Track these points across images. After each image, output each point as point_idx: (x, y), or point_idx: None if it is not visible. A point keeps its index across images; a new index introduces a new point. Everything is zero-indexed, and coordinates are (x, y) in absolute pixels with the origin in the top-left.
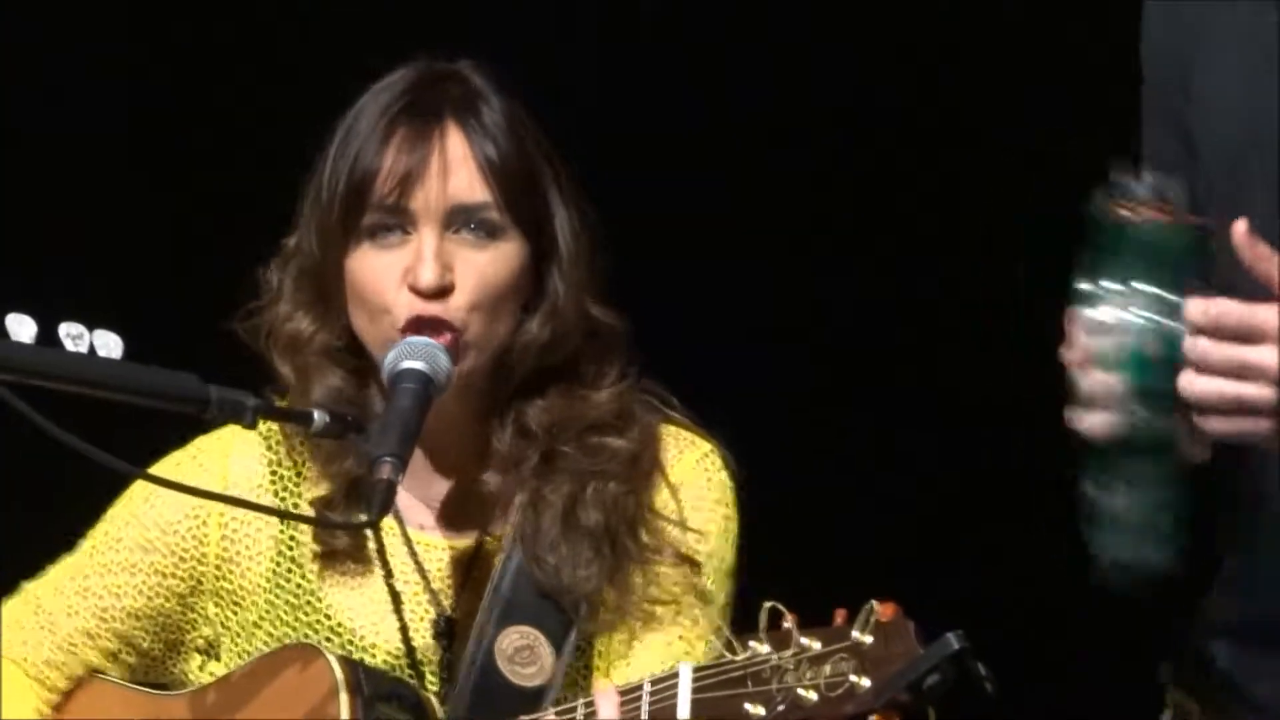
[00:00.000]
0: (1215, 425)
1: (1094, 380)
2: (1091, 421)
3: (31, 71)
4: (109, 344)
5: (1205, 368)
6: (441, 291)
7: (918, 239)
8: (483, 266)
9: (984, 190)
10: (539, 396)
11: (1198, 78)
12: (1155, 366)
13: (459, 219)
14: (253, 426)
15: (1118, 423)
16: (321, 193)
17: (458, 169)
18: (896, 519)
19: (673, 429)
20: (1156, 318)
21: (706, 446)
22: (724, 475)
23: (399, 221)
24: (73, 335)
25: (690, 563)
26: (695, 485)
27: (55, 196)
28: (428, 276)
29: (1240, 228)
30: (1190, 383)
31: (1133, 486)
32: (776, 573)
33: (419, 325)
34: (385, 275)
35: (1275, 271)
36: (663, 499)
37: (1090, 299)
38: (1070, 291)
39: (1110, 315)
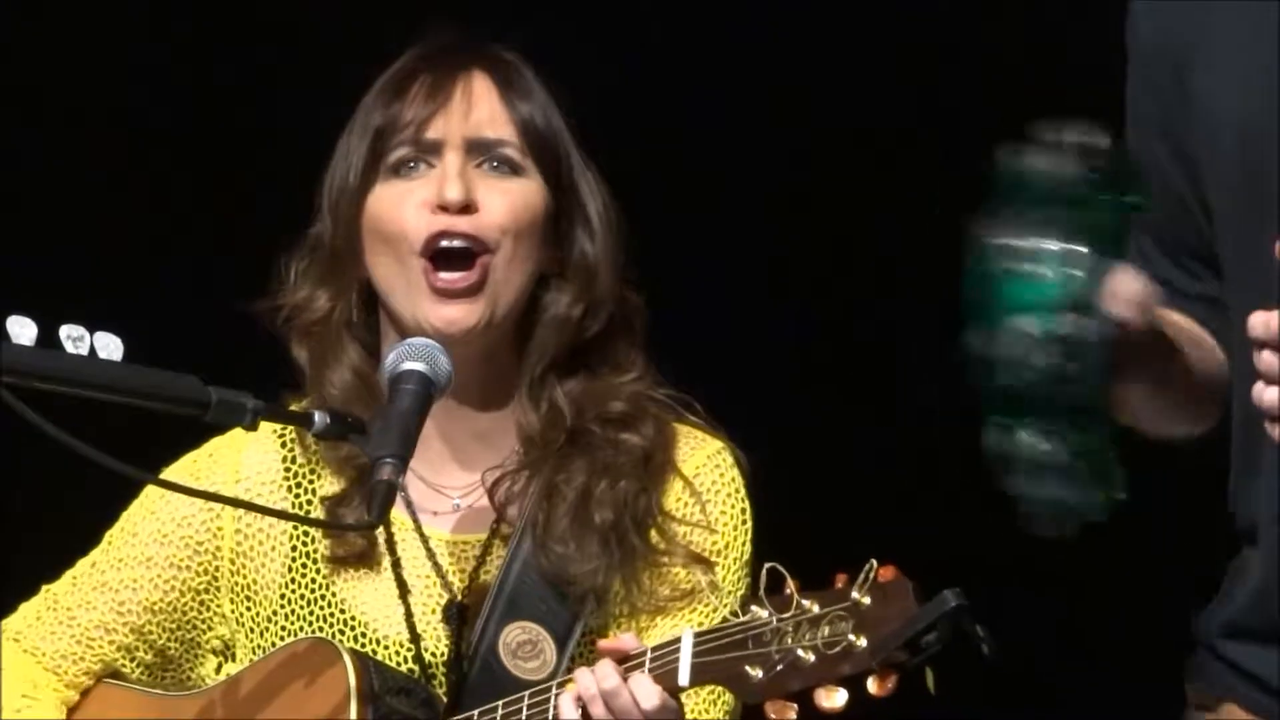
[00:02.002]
0: None
1: (1005, 331)
2: (1006, 375)
3: (37, 70)
4: (109, 346)
5: (1272, 379)
6: (467, 208)
7: (919, 229)
8: (509, 192)
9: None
10: (567, 379)
11: (1198, 77)
12: (1056, 314)
13: (481, 151)
14: (253, 428)
15: (1023, 368)
16: (345, 157)
17: (480, 104)
18: (911, 491)
19: (685, 427)
20: (1061, 267)
21: (718, 444)
22: (735, 470)
23: (422, 151)
24: (74, 337)
25: (703, 562)
26: (709, 478)
27: (57, 197)
28: (453, 192)
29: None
30: (1259, 395)
31: (1045, 432)
32: (785, 544)
33: (436, 247)
34: (406, 201)
35: None
36: (676, 495)
37: (1001, 251)
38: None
39: (1016, 265)
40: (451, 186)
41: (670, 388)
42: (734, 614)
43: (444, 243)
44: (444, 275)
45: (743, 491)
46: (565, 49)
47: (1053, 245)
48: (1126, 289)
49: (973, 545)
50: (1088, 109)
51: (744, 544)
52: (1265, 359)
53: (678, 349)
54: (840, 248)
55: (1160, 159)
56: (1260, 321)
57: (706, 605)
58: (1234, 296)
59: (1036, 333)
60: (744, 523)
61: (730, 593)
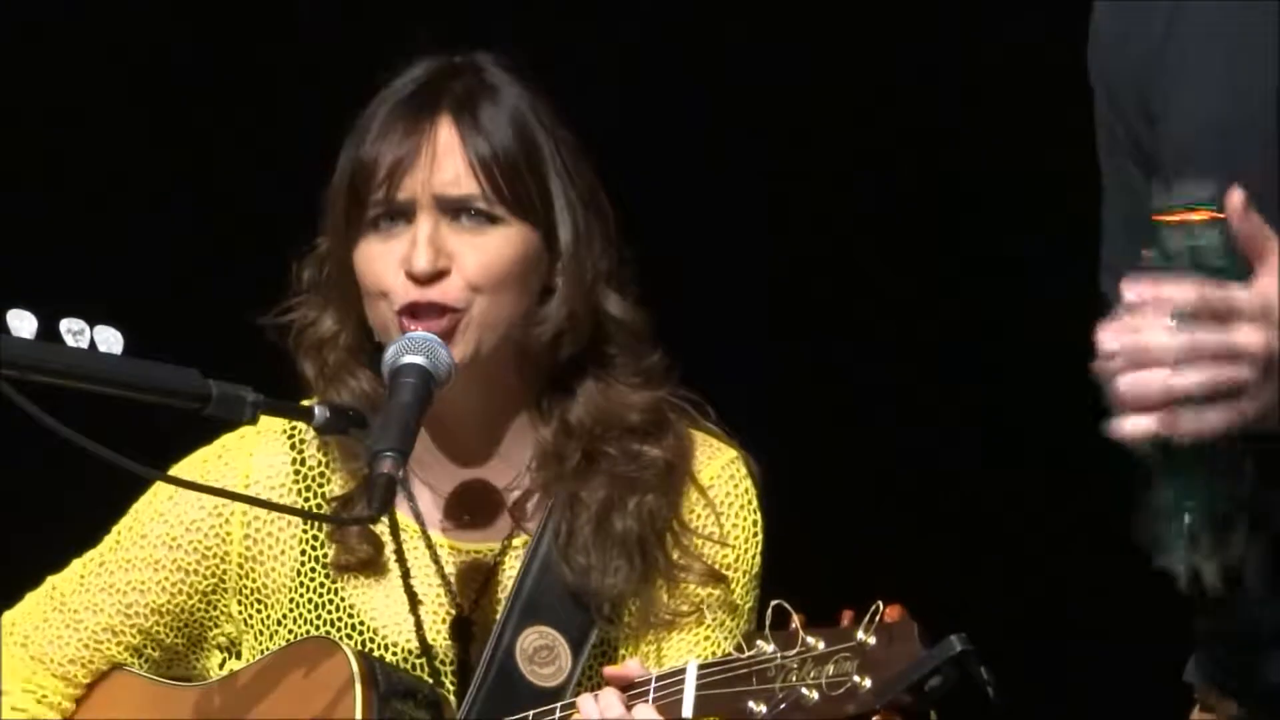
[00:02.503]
0: (1208, 419)
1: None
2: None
3: (38, 64)
4: (110, 339)
5: (1197, 356)
6: (437, 275)
7: (926, 237)
8: (482, 248)
9: (992, 191)
10: (576, 391)
11: (1164, 81)
12: None
13: (452, 209)
14: (253, 422)
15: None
16: (336, 189)
17: (445, 161)
18: (918, 519)
19: (700, 434)
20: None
21: (732, 453)
22: (749, 481)
23: (397, 211)
24: (74, 331)
25: (717, 577)
26: (723, 489)
27: (58, 190)
28: (420, 262)
29: (1235, 195)
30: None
31: (1191, 489)
32: (793, 573)
33: (415, 311)
34: (384, 261)
35: (1268, 248)
36: (691, 504)
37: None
38: (1110, 297)
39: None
40: (420, 255)
41: (691, 394)
42: (738, 648)
43: (414, 312)
44: (413, 322)
45: (755, 503)
46: (563, 48)
47: None
48: None
49: (974, 546)
50: (1088, 109)
51: (754, 557)
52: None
53: (675, 350)
54: (839, 248)
55: (1132, 174)
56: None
57: (716, 622)
58: None
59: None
60: (755, 535)
61: (739, 606)
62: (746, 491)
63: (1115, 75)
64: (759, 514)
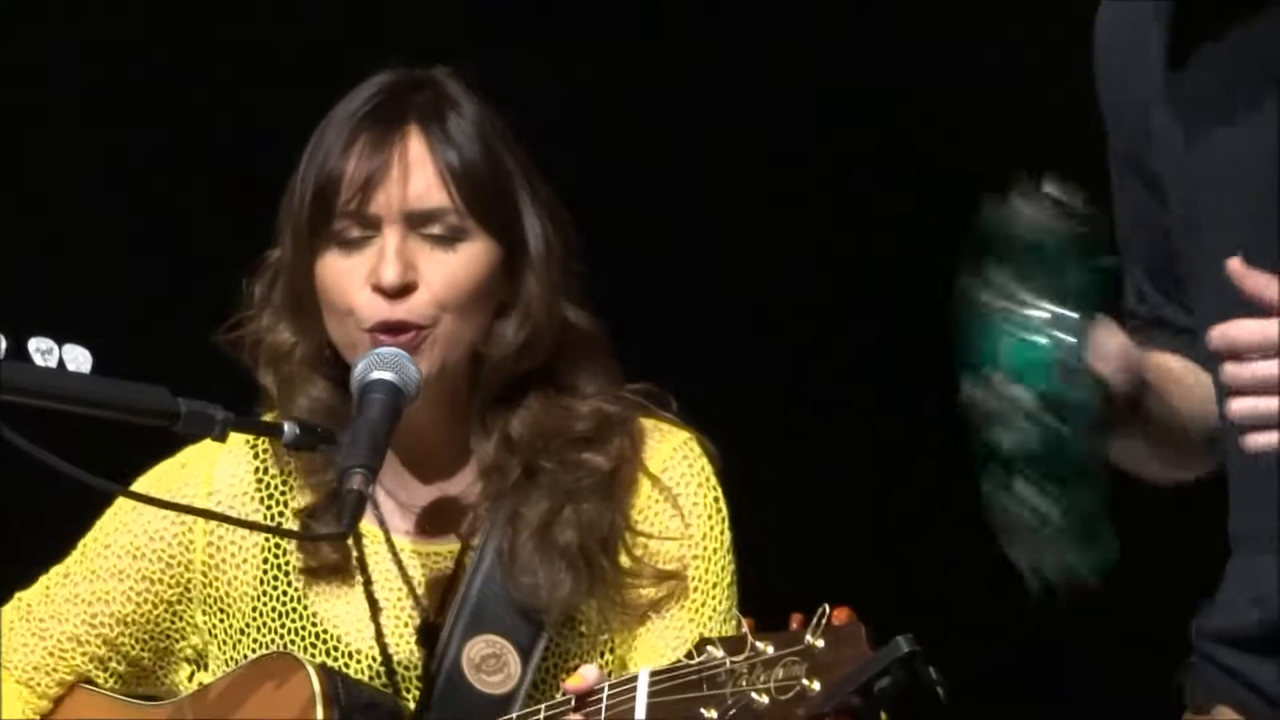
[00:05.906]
0: (1256, 441)
1: (999, 392)
2: (1001, 435)
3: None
4: (78, 358)
5: (1237, 389)
6: (405, 290)
7: (905, 241)
8: (449, 265)
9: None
10: (520, 405)
11: (1154, 117)
12: (1053, 373)
13: (420, 222)
14: (222, 439)
15: (1025, 433)
16: (293, 201)
17: (416, 173)
18: (889, 524)
19: (651, 421)
20: (1052, 331)
21: (684, 434)
22: (704, 460)
23: (363, 225)
24: (42, 350)
25: (673, 577)
26: (677, 470)
27: (25, 208)
28: (389, 275)
29: (1234, 264)
30: (1229, 408)
31: (1039, 492)
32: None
33: (385, 328)
34: (350, 277)
35: (1273, 293)
36: (643, 502)
37: (990, 309)
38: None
39: (1009, 326)
40: (388, 269)
41: (652, 388)
42: (689, 655)
43: (386, 330)
44: (384, 337)
45: (713, 480)
46: (556, 47)
47: (1044, 307)
48: (1109, 348)
49: (962, 549)
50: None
51: (721, 532)
52: (1229, 371)
53: (662, 354)
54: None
55: (1137, 189)
56: (1218, 334)
57: (691, 602)
58: (1201, 315)
59: (1030, 397)
60: (718, 511)
61: (716, 584)
62: (703, 470)
63: (1116, 99)
64: (719, 490)
